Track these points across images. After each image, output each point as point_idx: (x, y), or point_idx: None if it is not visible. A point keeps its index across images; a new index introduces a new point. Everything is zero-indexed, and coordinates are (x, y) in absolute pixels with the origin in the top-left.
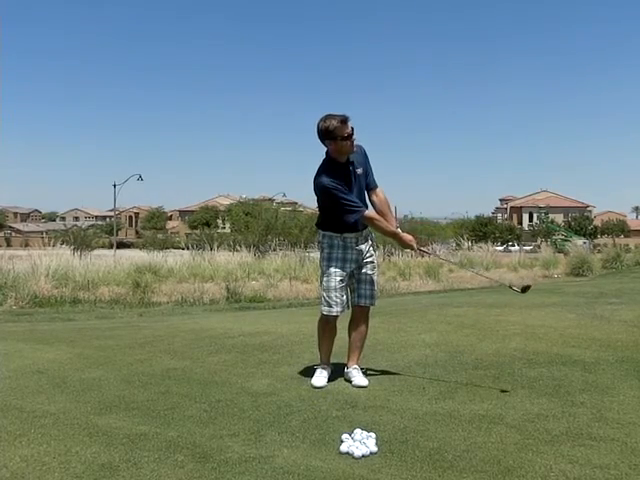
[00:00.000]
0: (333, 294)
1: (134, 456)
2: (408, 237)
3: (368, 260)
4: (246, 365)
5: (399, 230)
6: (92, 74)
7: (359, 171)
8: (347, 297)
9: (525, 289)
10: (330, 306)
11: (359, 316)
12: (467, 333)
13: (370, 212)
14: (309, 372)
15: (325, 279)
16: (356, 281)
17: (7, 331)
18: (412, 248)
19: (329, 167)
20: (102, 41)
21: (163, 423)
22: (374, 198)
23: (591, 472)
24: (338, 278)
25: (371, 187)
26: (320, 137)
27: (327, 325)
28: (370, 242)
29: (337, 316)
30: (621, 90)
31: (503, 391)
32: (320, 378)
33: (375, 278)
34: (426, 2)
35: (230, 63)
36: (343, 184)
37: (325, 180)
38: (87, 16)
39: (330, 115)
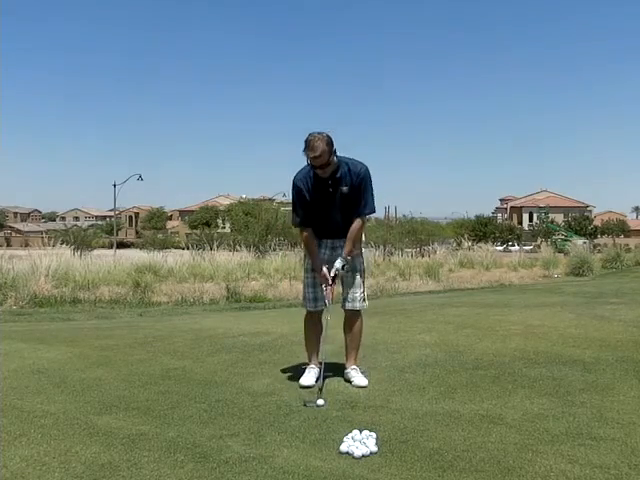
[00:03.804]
0: (306, 290)
1: (134, 456)
2: (323, 274)
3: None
4: (246, 365)
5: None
6: (92, 73)
7: (344, 189)
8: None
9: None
10: (307, 300)
11: (349, 319)
12: (467, 333)
13: (304, 234)
14: None
15: (303, 275)
16: (341, 285)
17: (7, 331)
18: (324, 282)
19: (314, 170)
20: (102, 40)
21: (163, 423)
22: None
23: (591, 472)
24: (310, 274)
25: (353, 213)
26: None
27: (310, 321)
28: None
29: (317, 311)
30: (621, 89)
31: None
32: (308, 377)
33: (358, 281)
34: None
35: (231, 62)
36: (311, 190)
37: (297, 178)
38: (87, 14)
39: (311, 145)
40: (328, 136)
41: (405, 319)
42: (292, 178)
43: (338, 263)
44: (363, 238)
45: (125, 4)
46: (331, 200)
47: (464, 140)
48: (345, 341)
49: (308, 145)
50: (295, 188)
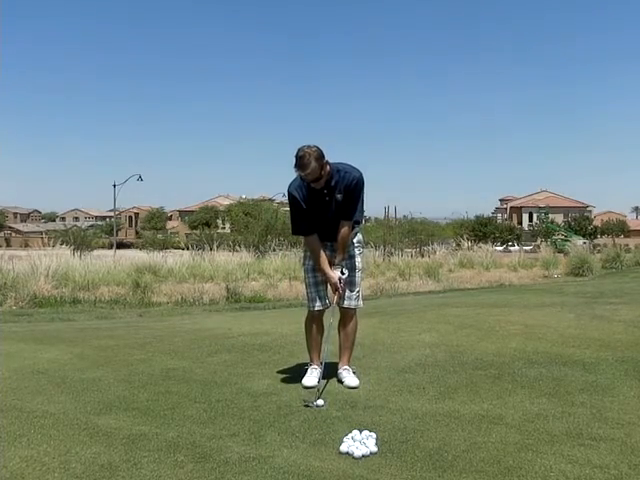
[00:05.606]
0: (308, 290)
1: (134, 456)
2: (333, 276)
3: (346, 263)
4: (246, 365)
5: (327, 270)
6: (92, 74)
7: (339, 196)
8: (325, 293)
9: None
10: (309, 300)
11: (344, 317)
12: (467, 333)
13: (308, 239)
14: None
15: (303, 276)
16: None
17: (7, 331)
18: (334, 288)
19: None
20: (101, 38)
21: (163, 423)
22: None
23: (591, 472)
24: (311, 274)
25: (343, 218)
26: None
27: (312, 321)
28: (351, 245)
29: (320, 311)
30: (621, 89)
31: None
32: (311, 378)
33: (355, 280)
34: None
35: (231, 61)
36: (307, 199)
37: (292, 187)
38: (86, 11)
39: (302, 163)
40: (318, 149)
41: (405, 319)
42: (287, 187)
43: (339, 273)
44: (361, 238)
45: (124, 1)
46: (327, 207)
47: (464, 140)
48: (339, 340)
49: (298, 162)
50: (291, 198)
